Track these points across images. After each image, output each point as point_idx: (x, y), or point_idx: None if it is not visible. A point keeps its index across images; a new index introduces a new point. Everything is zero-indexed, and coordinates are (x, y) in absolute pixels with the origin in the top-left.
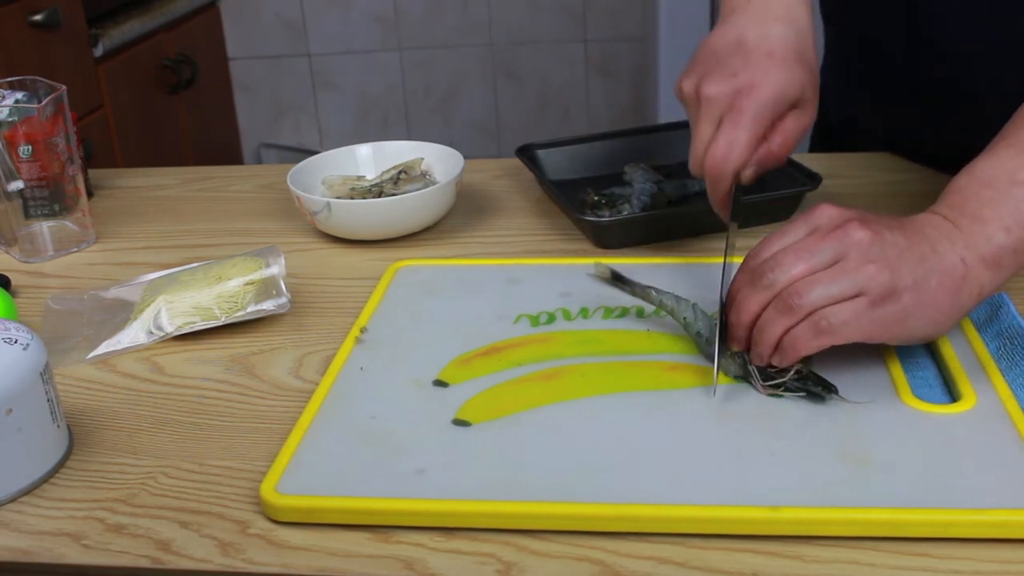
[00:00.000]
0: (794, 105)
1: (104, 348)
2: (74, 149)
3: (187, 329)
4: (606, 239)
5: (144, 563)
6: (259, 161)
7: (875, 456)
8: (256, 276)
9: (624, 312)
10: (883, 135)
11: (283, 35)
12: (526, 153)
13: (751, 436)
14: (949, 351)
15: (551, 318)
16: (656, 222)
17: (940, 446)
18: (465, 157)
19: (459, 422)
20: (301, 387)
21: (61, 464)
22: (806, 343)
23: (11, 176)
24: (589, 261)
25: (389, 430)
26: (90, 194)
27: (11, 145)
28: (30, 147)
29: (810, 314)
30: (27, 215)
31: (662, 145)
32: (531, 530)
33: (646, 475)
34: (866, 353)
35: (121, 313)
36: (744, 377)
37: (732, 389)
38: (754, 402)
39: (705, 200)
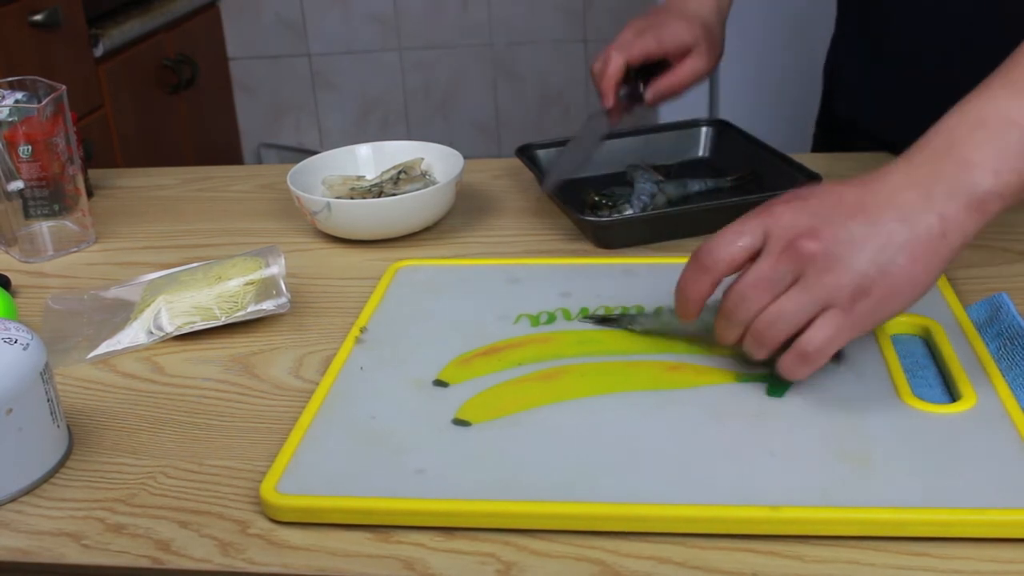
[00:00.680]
0: (689, 50)
1: (104, 348)
2: (74, 149)
3: (187, 329)
4: (606, 239)
5: (144, 563)
6: (259, 161)
7: (875, 456)
8: (256, 276)
9: (624, 312)
10: (888, 137)
11: (283, 35)
12: (526, 153)
13: (751, 436)
14: (949, 351)
15: (551, 318)
16: (656, 222)
17: (940, 446)
18: (465, 157)
19: (459, 422)
20: (301, 387)
21: (61, 464)
22: (800, 371)
23: (11, 176)
24: (589, 261)
25: (389, 430)
26: (90, 194)
27: (11, 145)
28: (30, 147)
29: (787, 343)
30: (27, 215)
31: (662, 145)
32: (531, 530)
33: (646, 475)
34: (866, 353)
35: (121, 313)
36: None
37: (732, 389)
38: (754, 402)
39: (705, 200)
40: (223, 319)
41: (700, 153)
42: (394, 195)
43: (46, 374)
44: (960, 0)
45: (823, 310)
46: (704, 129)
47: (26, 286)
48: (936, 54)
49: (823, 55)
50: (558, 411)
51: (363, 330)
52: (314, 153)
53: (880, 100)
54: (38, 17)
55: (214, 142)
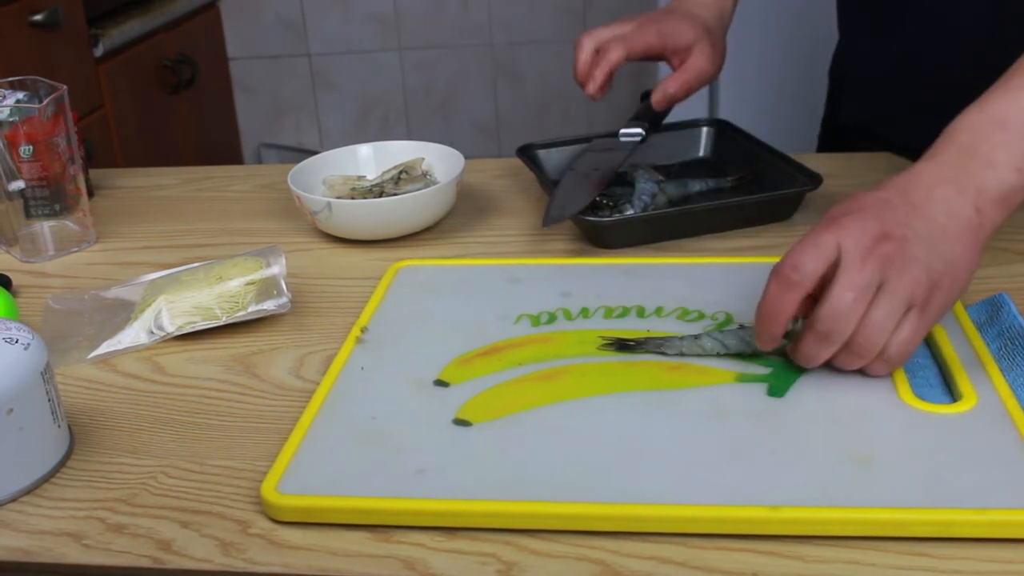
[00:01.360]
0: (690, 49)
1: (105, 348)
2: (75, 149)
3: (188, 329)
4: (606, 239)
5: (145, 563)
6: (259, 161)
7: (876, 456)
8: (257, 276)
9: (625, 312)
10: (897, 139)
11: (283, 35)
12: (526, 153)
13: (752, 436)
14: (950, 351)
15: (552, 318)
16: (657, 222)
17: (941, 446)
18: (465, 157)
19: (460, 422)
20: (302, 387)
21: (62, 464)
22: (881, 373)
23: (12, 176)
24: (589, 261)
25: (390, 430)
26: (91, 194)
27: (12, 145)
28: (31, 147)
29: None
30: (28, 215)
31: (663, 145)
32: (532, 530)
33: (646, 475)
34: None
35: (122, 313)
36: (744, 353)
37: (733, 389)
38: (755, 402)
39: (706, 200)
40: (224, 319)
41: (700, 153)
42: (395, 195)
43: (47, 374)
44: (967, 2)
45: (906, 312)
46: (704, 129)
47: (27, 286)
48: (944, 56)
49: (823, 55)
50: (559, 411)
51: (364, 330)
52: (314, 153)
53: (888, 103)
54: (38, 17)
55: (214, 142)
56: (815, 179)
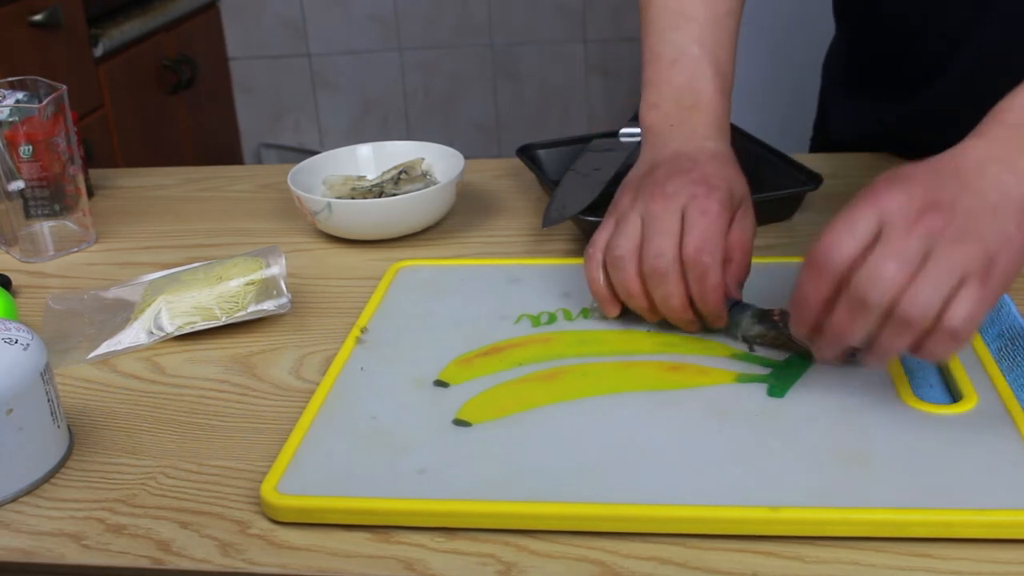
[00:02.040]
0: (740, 205)
1: (105, 348)
2: (75, 149)
3: (188, 329)
4: None
5: (144, 563)
6: (259, 161)
7: (875, 456)
8: (257, 276)
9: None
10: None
11: (283, 35)
12: (526, 153)
13: (752, 436)
14: None
15: (552, 318)
16: None
17: (941, 446)
18: (465, 157)
19: (460, 422)
20: (301, 387)
21: (61, 464)
22: (949, 351)
23: (12, 176)
24: None
25: (390, 430)
26: (90, 194)
27: (12, 145)
28: (31, 147)
29: (935, 324)
30: (28, 215)
31: None
32: (532, 530)
33: (646, 475)
34: None
35: (122, 313)
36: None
37: (733, 389)
38: (755, 402)
39: None
40: (224, 319)
41: None
42: (395, 195)
43: (46, 374)
44: (955, 7)
45: (960, 284)
46: None
47: (27, 286)
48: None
49: (822, 56)
50: (559, 411)
51: (364, 330)
52: (314, 153)
53: (871, 119)
54: (38, 17)
55: (214, 142)
56: (815, 179)
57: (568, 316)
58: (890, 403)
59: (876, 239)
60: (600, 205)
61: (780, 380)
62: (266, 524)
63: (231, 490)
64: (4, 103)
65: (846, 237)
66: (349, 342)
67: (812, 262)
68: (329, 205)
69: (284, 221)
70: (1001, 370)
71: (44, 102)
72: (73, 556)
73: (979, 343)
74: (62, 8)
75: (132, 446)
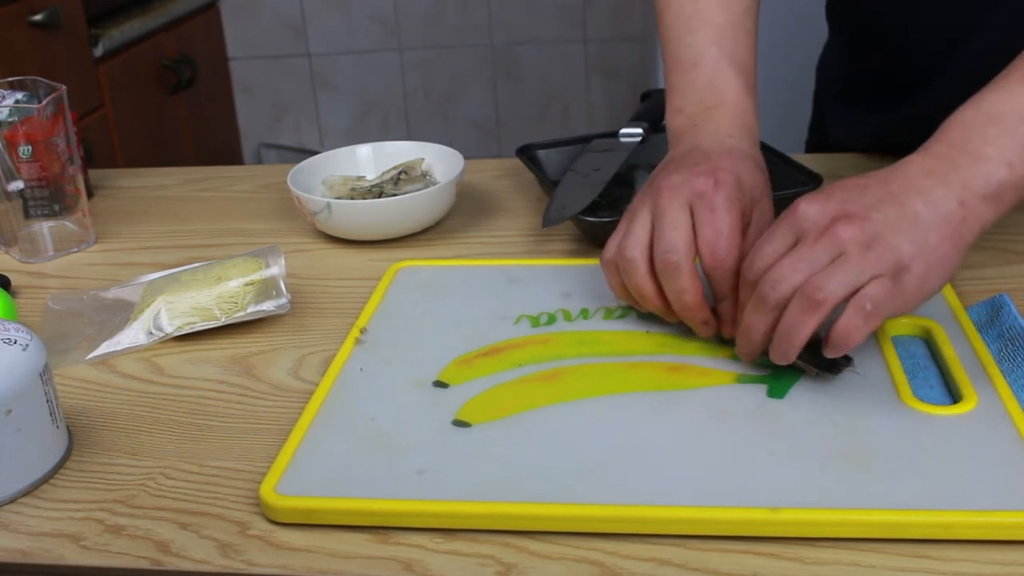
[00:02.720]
0: (755, 204)
1: (104, 348)
2: (74, 149)
3: (187, 329)
4: (606, 239)
5: (143, 564)
6: (259, 161)
7: (876, 457)
8: (256, 276)
9: (625, 313)
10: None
11: (283, 35)
12: (526, 153)
13: (751, 437)
14: (950, 352)
15: (551, 319)
16: None
17: (941, 447)
18: (465, 157)
19: (459, 423)
20: (301, 388)
21: (60, 465)
22: (859, 330)
23: (11, 176)
24: (589, 261)
25: (389, 431)
26: (90, 194)
27: (11, 145)
28: (30, 147)
29: (839, 304)
30: (27, 215)
31: (662, 146)
32: (531, 531)
33: (646, 476)
34: (867, 354)
35: (121, 313)
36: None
37: (733, 390)
38: (755, 403)
39: None
40: (223, 319)
41: None
42: (394, 195)
43: (46, 375)
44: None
45: (870, 280)
46: None
47: (26, 286)
48: (923, 62)
49: (816, 59)
50: (558, 412)
51: (363, 331)
52: (314, 153)
53: (865, 122)
54: (38, 17)
55: (214, 142)
56: (815, 179)
57: (568, 317)
58: (890, 404)
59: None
60: (600, 205)
61: (780, 381)
62: (265, 525)
63: (230, 491)
64: (4, 103)
65: (765, 248)
66: (348, 343)
67: (741, 273)
68: (329, 205)
69: (284, 221)
70: (1001, 371)
71: (44, 102)
72: (72, 557)
73: (979, 344)
74: (62, 8)
75: (131, 447)
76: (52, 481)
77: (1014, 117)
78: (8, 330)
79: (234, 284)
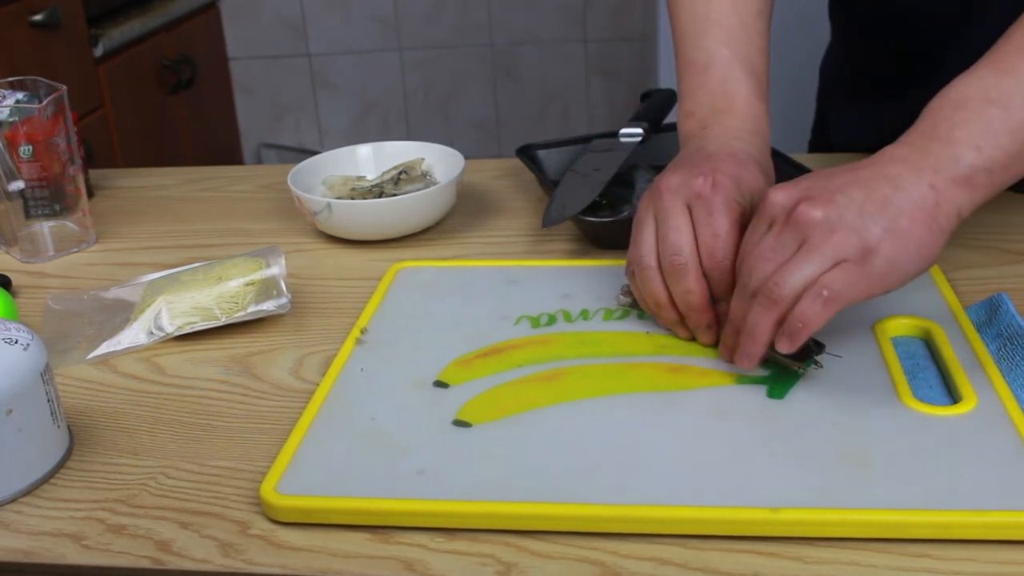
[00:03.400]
0: (755, 205)
1: (104, 348)
2: (75, 149)
3: (187, 329)
4: (606, 239)
5: (144, 564)
6: (259, 161)
7: (876, 457)
8: (256, 276)
9: (625, 314)
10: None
11: (283, 35)
12: (526, 153)
13: (751, 436)
14: (949, 352)
15: (552, 319)
16: None
17: (941, 447)
18: (465, 157)
19: (460, 423)
20: (301, 387)
21: (61, 464)
22: (817, 316)
23: (11, 176)
24: (589, 262)
25: (389, 431)
26: (90, 194)
27: (12, 145)
28: (31, 147)
29: (799, 297)
30: (28, 215)
31: (662, 145)
32: (531, 531)
33: (646, 476)
34: (867, 354)
35: (121, 313)
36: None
37: (733, 390)
38: (755, 403)
39: None
40: (223, 319)
41: None
42: (394, 195)
43: (46, 374)
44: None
45: (835, 265)
46: None
47: (26, 286)
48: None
49: (819, 59)
50: (558, 412)
51: (363, 331)
52: (314, 153)
53: (867, 121)
54: (38, 17)
55: (214, 142)
56: None
57: (568, 317)
58: (890, 404)
59: None
60: (600, 205)
61: (780, 381)
62: (266, 524)
63: (231, 490)
64: (4, 103)
65: (747, 240)
66: (349, 343)
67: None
68: (329, 205)
69: (284, 221)
70: (1000, 371)
71: (44, 102)
72: (73, 556)
73: (978, 344)
74: (62, 8)
75: (132, 446)
76: (53, 481)
77: (981, 101)
78: (9, 330)
79: (234, 284)
